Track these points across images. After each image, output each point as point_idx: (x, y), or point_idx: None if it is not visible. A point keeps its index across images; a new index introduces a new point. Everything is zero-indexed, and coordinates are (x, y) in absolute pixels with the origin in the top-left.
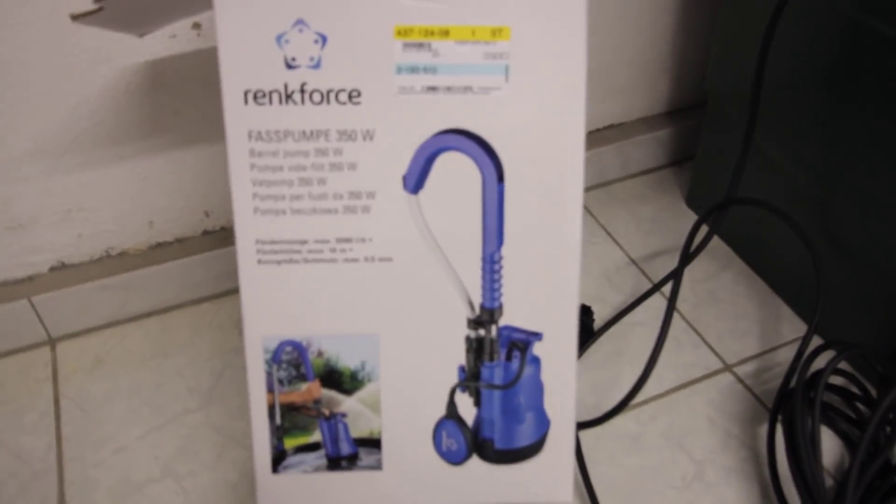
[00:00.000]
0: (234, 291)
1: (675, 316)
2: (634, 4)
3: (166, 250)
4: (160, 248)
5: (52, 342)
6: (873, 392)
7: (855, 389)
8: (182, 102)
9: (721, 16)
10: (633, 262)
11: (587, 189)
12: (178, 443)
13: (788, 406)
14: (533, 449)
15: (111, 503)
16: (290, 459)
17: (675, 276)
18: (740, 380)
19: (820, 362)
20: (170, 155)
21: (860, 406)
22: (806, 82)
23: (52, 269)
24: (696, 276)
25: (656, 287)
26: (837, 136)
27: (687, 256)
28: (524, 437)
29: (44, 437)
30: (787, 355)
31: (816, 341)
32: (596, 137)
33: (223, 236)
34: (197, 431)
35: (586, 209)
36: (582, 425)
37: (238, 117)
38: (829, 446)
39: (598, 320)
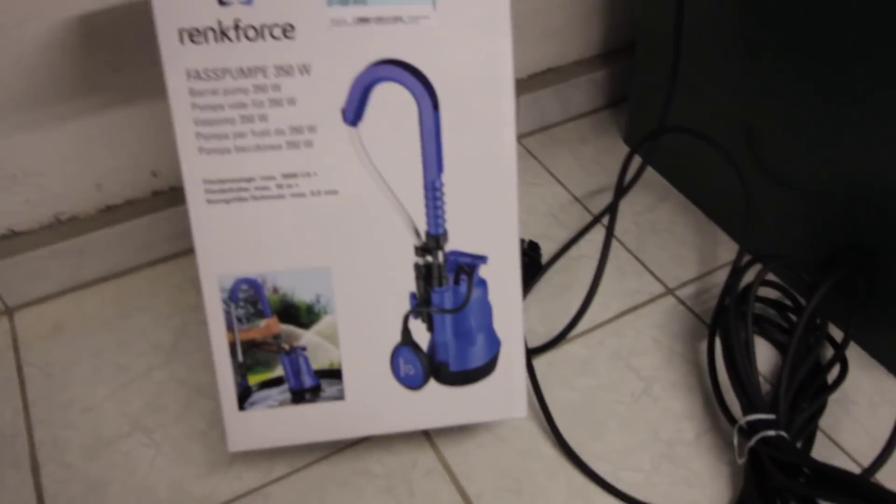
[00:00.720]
0: (189, 251)
1: (619, 247)
2: None
3: (117, 213)
4: (110, 212)
5: (9, 311)
6: (803, 302)
7: (787, 301)
8: (120, 58)
9: None
10: (577, 199)
11: (529, 133)
12: (145, 398)
13: (724, 320)
14: (486, 369)
15: (84, 460)
16: (256, 395)
17: (612, 207)
18: (681, 301)
19: (751, 277)
20: (112, 114)
21: (792, 316)
22: (727, 11)
23: (3, 237)
24: (636, 208)
25: (596, 219)
26: (758, 64)
27: (621, 187)
28: (477, 358)
29: (10, 403)
30: (723, 276)
31: (748, 259)
32: (535, 81)
33: (173, 196)
34: (163, 386)
35: (530, 152)
36: (534, 351)
37: (174, 57)
38: (766, 355)
39: (546, 255)
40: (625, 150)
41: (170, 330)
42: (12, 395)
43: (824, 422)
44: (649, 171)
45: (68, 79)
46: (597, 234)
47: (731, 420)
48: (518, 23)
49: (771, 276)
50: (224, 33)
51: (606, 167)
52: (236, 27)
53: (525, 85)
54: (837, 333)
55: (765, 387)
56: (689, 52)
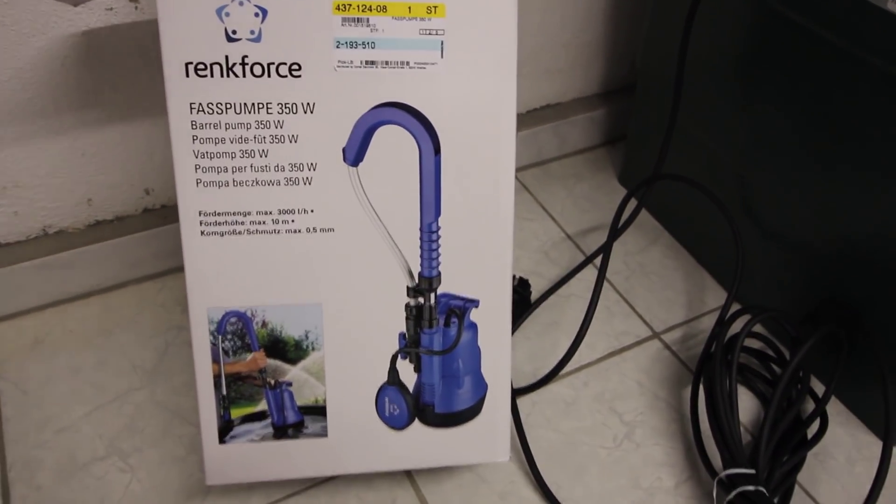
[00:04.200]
0: (177, 269)
1: (608, 287)
2: None
3: (106, 228)
4: (99, 227)
5: None
6: (787, 354)
7: (770, 352)
8: (120, 76)
9: (650, 1)
10: (569, 237)
11: (525, 168)
12: (122, 421)
13: (709, 368)
14: (472, 412)
15: (56, 482)
16: (237, 429)
17: (605, 249)
18: (667, 346)
19: (738, 327)
20: (109, 130)
21: (775, 367)
22: (725, 65)
23: None
24: (627, 249)
25: (588, 260)
26: (754, 116)
27: (616, 230)
28: (463, 401)
29: None
30: (710, 322)
31: (736, 309)
32: (533, 117)
33: (164, 214)
34: (142, 409)
35: (525, 187)
36: (519, 391)
37: (179, 90)
38: (748, 405)
39: (535, 293)
40: (619, 188)
41: (152, 350)
42: None
43: (802, 476)
44: (642, 213)
45: (67, 94)
46: (587, 273)
47: (712, 470)
48: (520, 60)
49: (756, 327)
50: (230, 68)
51: (600, 205)
52: (243, 63)
53: (523, 120)
54: (818, 387)
55: (745, 437)
56: (687, 100)
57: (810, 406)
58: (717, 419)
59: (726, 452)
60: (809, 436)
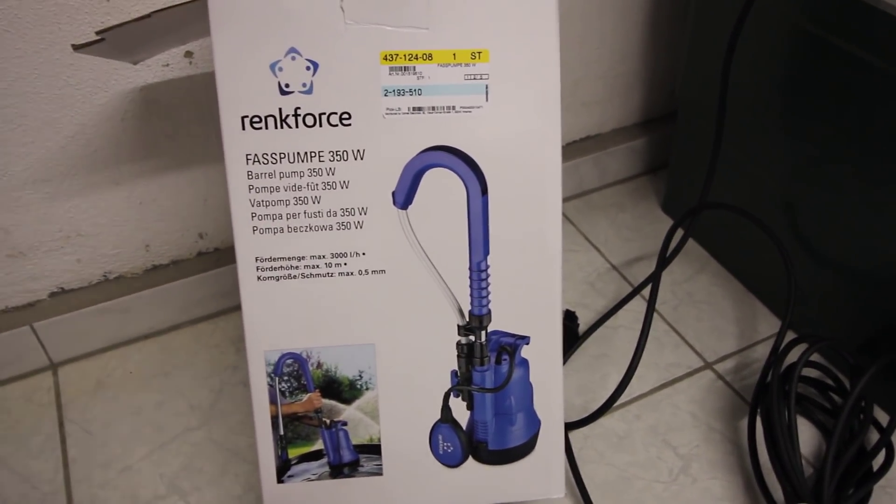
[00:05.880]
0: (231, 310)
1: (656, 318)
2: (606, 22)
3: (162, 273)
4: (156, 271)
5: (53, 367)
6: (846, 382)
7: (829, 381)
8: (175, 127)
9: (689, 30)
10: (614, 267)
11: (567, 199)
12: (181, 460)
13: (766, 399)
14: (525, 448)
15: None
16: (295, 468)
17: (654, 279)
18: (720, 376)
19: (794, 356)
20: (165, 179)
21: (834, 396)
22: (768, 91)
23: (52, 294)
24: (674, 278)
25: (636, 290)
26: (799, 141)
27: (664, 260)
28: (516, 438)
29: (50, 460)
30: (763, 351)
31: (790, 336)
32: (573, 149)
33: (217, 257)
34: (200, 448)
35: (567, 219)
36: (570, 426)
37: (236, 142)
38: (808, 436)
39: (583, 324)
40: (662, 217)
41: (208, 390)
42: (53, 452)
43: None
44: (688, 240)
45: (126, 146)
46: (635, 304)
47: None
48: None
49: (812, 356)
50: (284, 120)
51: (644, 234)
52: (296, 114)
53: (564, 152)
54: (881, 416)
55: (807, 469)
56: (730, 126)
57: (874, 437)
58: (776, 452)
59: (788, 486)
60: (875, 468)
